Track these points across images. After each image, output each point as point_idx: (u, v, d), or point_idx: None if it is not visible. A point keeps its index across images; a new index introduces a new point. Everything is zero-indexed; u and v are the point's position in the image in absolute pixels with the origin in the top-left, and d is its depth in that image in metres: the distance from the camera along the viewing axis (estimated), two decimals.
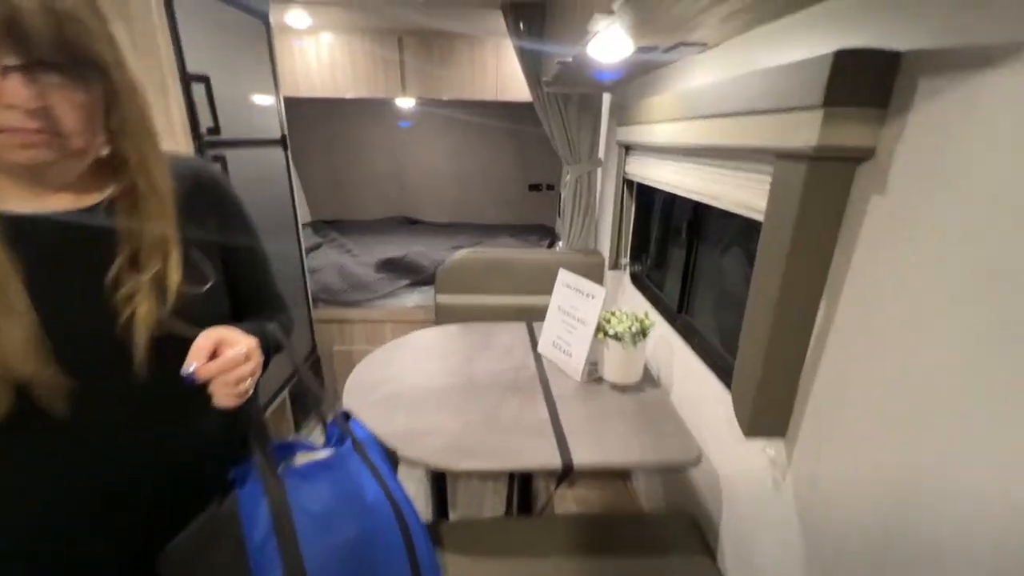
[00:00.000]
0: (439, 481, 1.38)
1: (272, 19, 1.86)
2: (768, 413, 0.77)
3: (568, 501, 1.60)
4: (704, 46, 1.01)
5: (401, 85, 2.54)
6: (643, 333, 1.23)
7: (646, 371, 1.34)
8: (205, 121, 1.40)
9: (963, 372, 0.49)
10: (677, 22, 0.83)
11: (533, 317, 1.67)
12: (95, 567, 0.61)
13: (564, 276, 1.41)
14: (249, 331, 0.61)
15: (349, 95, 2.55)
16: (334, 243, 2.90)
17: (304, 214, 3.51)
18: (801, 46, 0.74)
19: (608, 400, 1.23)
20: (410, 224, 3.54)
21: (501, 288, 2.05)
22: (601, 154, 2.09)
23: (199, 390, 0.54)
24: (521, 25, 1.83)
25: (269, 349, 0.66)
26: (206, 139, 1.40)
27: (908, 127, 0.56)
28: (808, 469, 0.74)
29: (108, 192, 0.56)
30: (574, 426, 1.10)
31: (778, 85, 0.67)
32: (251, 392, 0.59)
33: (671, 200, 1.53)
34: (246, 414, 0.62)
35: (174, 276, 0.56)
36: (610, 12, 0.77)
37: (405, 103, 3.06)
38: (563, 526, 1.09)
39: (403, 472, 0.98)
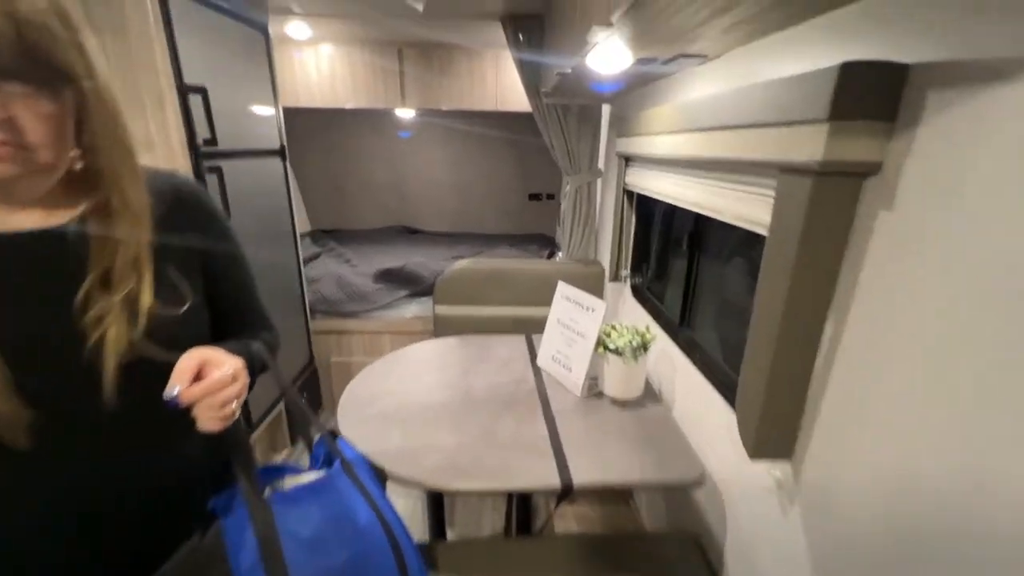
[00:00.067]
0: (436, 499, 1.35)
1: (272, 30, 1.86)
2: (774, 434, 0.74)
3: (568, 519, 1.57)
4: (704, 58, 1.00)
5: (401, 96, 2.54)
6: (644, 347, 1.21)
7: (647, 386, 1.31)
8: (202, 132, 1.39)
9: (978, 389, 0.47)
10: (677, 34, 0.82)
11: (532, 329, 1.65)
12: None
13: (563, 289, 1.39)
14: (234, 351, 0.58)
15: (349, 105, 2.55)
16: (333, 253, 2.89)
17: (304, 224, 3.50)
18: (804, 58, 0.72)
19: (608, 416, 1.20)
20: (410, 234, 3.53)
21: (500, 299, 2.03)
22: (601, 164, 2.08)
23: (181, 414, 0.52)
24: (520, 37, 1.83)
25: (254, 369, 0.64)
26: (203, 150, 1.39)
27: (917, 141, 0.54)
28: (817, 491, 0.71)
29: (81, 209, 0.54)
30: (574, 443, 1.07)
31: (782, 98, 0.66)
32: (237, 414, 0.56)
33: (672, 211, 1.51)
34: (230, 436, 0.59)
35: (146, 297, 0.54)
36: (609, 24, 0.76)
37: (405, 113, 3.06)
38: (563, 547, 1.06)
39: (399, 489, 0.95)
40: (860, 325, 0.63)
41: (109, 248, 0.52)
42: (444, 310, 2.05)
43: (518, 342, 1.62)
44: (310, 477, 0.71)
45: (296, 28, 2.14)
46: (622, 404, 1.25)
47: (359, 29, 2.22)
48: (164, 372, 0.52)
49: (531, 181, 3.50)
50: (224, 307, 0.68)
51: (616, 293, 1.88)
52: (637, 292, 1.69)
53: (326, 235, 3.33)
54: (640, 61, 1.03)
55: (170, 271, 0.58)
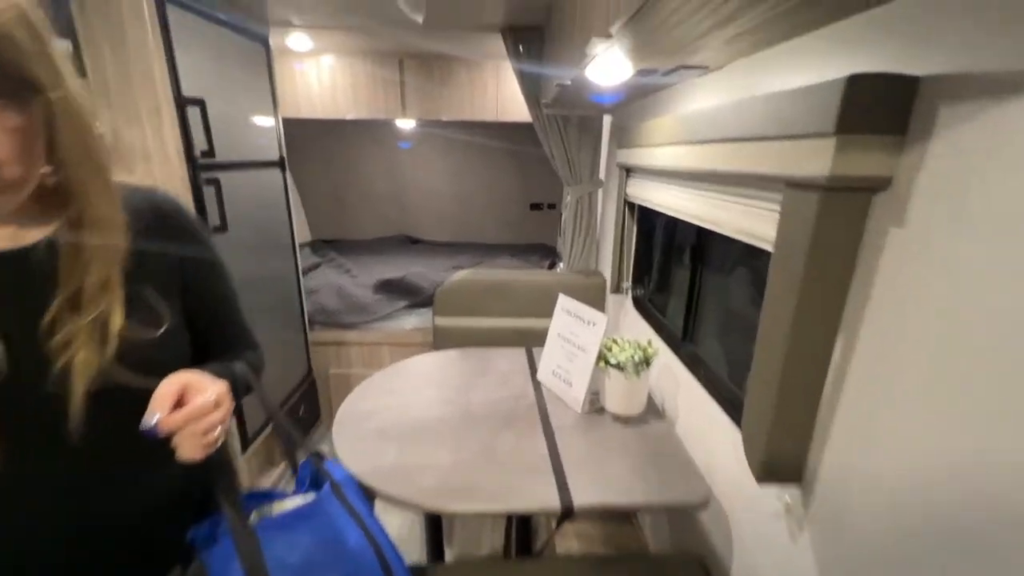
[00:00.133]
0: (434, 518, 1.31)
1: (273, 42, 1.86)
2: (782, 458, 0.71)
3: (570, 537, 1.52)
4: (706, 69, 0.99)
5: (401, 106, 2.54)
6: (646, 362, 1.18)
7: (650, 401, 1.28)
8: (200, 144, 1.39)
9: (996, 411, 0.44)
10: (678, 45, 0.81)
11: (533, 340, 1.62)
12: None
13: (564, 302, 1.37)
14: (217, 374, 0.56)
15: (350, 116, 2.56)
16: (333, 263, 2.88)
17: (304, 234, 3.50)
18: (809, 69, 0.71)
19: (610, 433, 1.17)
20: (411, 243, 3.52)
21: (500, 311, 2.00)
22: (602, 175, 2.07)
23: (160, 443, 0.49)
24: (520, 48, 1.83)
25: (239, 392, 0.62)
26: (200, 162, 1.39)
27: (929, 156, 0.52)
28: (828, 517, 0.68)
29: (53, 227, 0.51)
30: (574, 462, 1.04)
31: (787, 110, 0.64)
32: (220, 442, 0.54)
33: (673, 222, 1.49)
34: (213, 462, 0.57)
35: (117, 319, 0.51)
36: (608, 36, 0.74)
37: (405, 124, 3.07)
38: (564, 568, 1.02)
39: (397, 507, 0.93)
40: (872, 345, 0.60)
41: (79, 268, 0.50)
42: (444, 322, 2.03)
43: (518, 355, 1.59)
44: (298, 501, 0.69)
45: (297, 40, 2.14)
46: (624, 420, 1.22)
47: (360, 40, 2.23)
48: (140, 399, 0.49)
49: (532, 191, 3.49)
50: (206, 327, 0.65)
51: (617, 305, 1.85)
52: (639, 304, 1.67)
53: (326, 245, 3.32)
54: (640, 72, 1.02)
55: (147, 292, 0.56)
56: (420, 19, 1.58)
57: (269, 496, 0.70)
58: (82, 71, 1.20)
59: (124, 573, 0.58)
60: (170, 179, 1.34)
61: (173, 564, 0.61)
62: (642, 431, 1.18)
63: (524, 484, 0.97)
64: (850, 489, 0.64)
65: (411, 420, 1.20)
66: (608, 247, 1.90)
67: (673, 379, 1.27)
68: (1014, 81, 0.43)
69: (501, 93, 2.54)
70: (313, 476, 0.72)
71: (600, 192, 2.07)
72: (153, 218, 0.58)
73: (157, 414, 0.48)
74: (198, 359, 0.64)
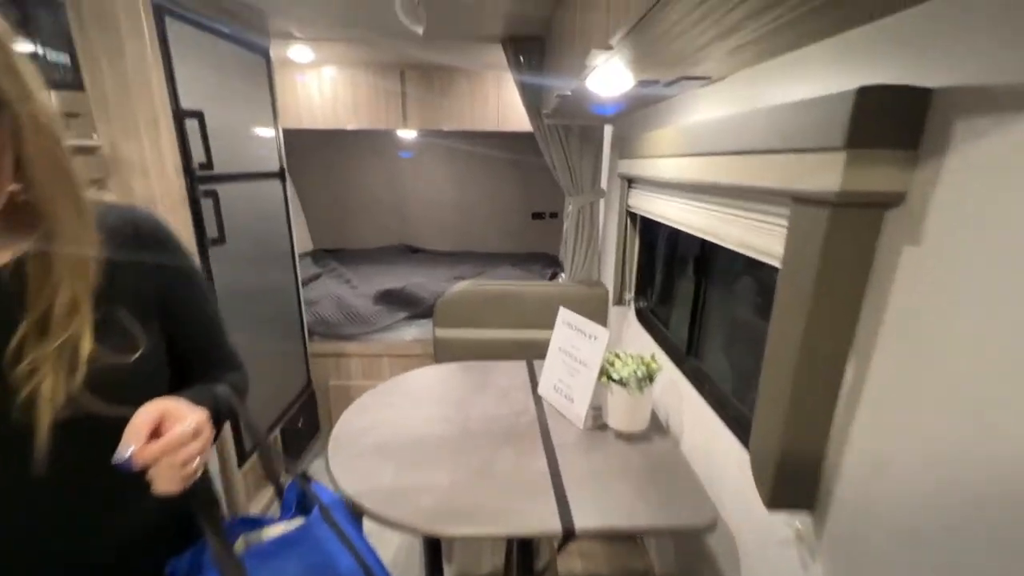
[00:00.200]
0: (432, 540, 1.28)
1: (274, 54, 1.86)
2: (792, 483, 0.68)
3: (573, 557, 1.49)
4: (709, 79, 0.97)
5: (402, 117, 2.54)
6: (650, 378, 1.15)
7: (653, 417, 1.25)
8: (198, 156, 1.38)
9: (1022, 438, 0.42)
10: (679, 56, 0.79)
11: (534, 352, 1.60)
12: None
13: (564, 315, 1.34)
14: (197, 400, 0.54)
15: (351, 127, 2.56)
16: (334, 273, 2.86)
17: (306, 243, 3.49)
18: (815, 80, 0.69)
19: (613, 451, 1.14)
20: (412, 253, 3.51)
21: (501, 322, 1.98)
22: (604, 184, 2.05)
23: (134, 476, 0.47)
24: (521, 58, 1.82)
25: (221, 417, 0.59)
26: (198, 174, 1.38)
27: (945, 172, 0.50)
28: (842, 547, 0.65)
29: (23, 248, 0.49)
30: (576, 482, 1.01)
31: (793, 123, 0.62)
32: (199, 473, 0.51)
33: (676, 233, 1.46)
34: (195, 491, 0.54)
35: (87, 344, 0.48)
36: (608, 47, 0.73)
37: (407, 134, 3.07)
38: None
39: (396, 529, 0.90)
40: (887, 367, 0.57)
41: (47, 290, 0.47)
42: (444, 333, 2.01)
43: (519, 369, 1.56)
44: (282, 528, 0.66)
45: (298, 51, 2.15)
46: (627, 437, 1.19)
47: (361, 52, 2.23)
48: (113, 428, 0.47)
49: (534, 200, 3.48)
50: (187, 349, 0.63)
51: (620, 317, 1.82)
52: (642, 316, 1.64)
53: (328, 254, 3.31)
54: (641, 83, 1.00)
55: (121, 314, 0.54)
56: (420, 31, 1.58)
57: (255, 523, 0.67)
58: (80, 84, 1.19)
59: None
60: (168, 192, 1.33)
61: None
62: (646, 449, 1.15)
63: (524, 506, 0.94)
64: (866, 518, 0.60)
65: (409, 437, 1.17)
66: (610, 257, 1.87)
67: (677, 394, 1.24)
68: None
69: (502, 103, 2.53)
70: (299, 498, 0.70)
71: (602, 202, 2.06)
72: (130, 237, 0.55)
73: (131, 446, 0.45)
74: (179, 382, 0.62)
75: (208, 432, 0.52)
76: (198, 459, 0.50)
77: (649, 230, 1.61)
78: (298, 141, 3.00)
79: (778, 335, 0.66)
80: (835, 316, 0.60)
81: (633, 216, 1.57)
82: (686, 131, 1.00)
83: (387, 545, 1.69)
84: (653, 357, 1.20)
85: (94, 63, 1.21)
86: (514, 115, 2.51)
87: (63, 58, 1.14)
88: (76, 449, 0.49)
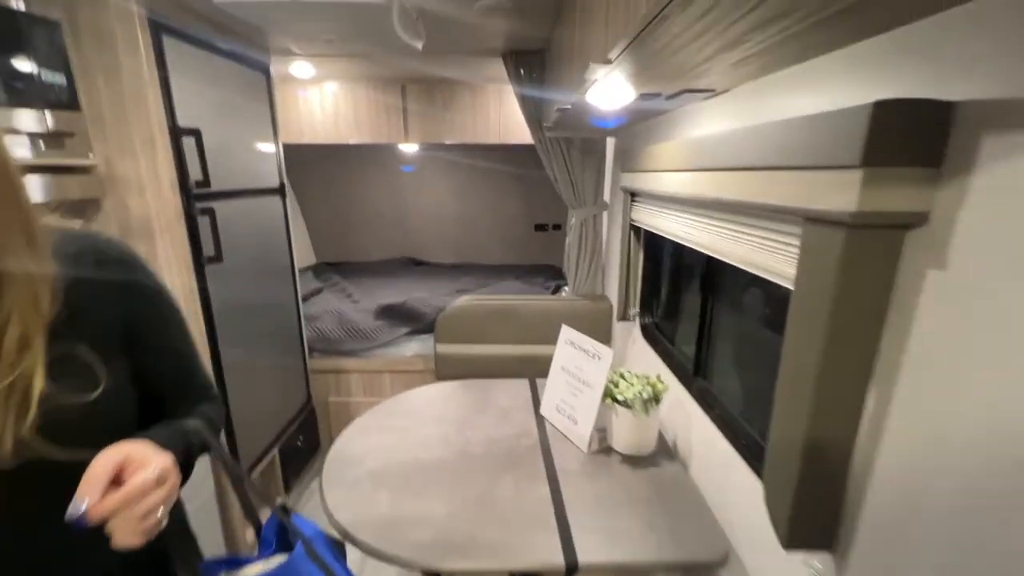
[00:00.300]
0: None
1: (275, 70, 1.86)
2: (811, 521, 0.63)
3: None
4: (712, 92, 0.94)
5: (404, 131, 2.54)
6: (656, 400, 1.11)
7: (660, 439, 1.20)
8: (195, 174, 1.36)
9: None
10: (681, 69, 0.76)
11: (538, 368, 1.56)
12: None
13: (567, 333, 1.30)
14: (164, 441, 0.50)
15: (352, 141, 2.56)
16: (336, 287, 2.84)
17: (309, 257, 3.49)
18: (824, 93, 0.65)
19: (618, 476, 1.09)
20: (415, 265, 3.49)
21: (503, 337, 1.94)
22: (607, 196, 2.02)
23: (92, 530, 0.43)
24: (521, 72, 1.81)
25: (192, 454, 0.56)
26: (194, 192, 1.36)
27: (972, 191, 0.46)
28: None
29: None
30: (580, 511, 0.96)
31: (805, 138, 0.58)
32: (164, 524, 0.47)
33: (681, 247, 1.43)
34: (165, 532, 0.50)
35: (38, 383, 0.45)
36: (607, 61, 0.70)
37: (408, 148, 3.07)
38: None
39: (391, 563, 0.85)
40: (911, 398, 0.53)
41: None
42: (445, 349, 1.97)
43: (521, 387, 1.52)
44: (265, 565, 0.62)
45: (300, 67, 2.15)
46: (633, 461, 1.14)
47: (362, 67, 2.23)
48: (70, 475, 0.43)
49: (537, 212, 3.46)
50: (158, 382, 0.60)
51: (625, 332, 1.78)
52: (647, 332, 1.59)
53: (330, 268, 3.30)
54: (643, 96, 0.98)
55: (80, 350, 0.50)
56: (420, 46, 1.57)
57: (234, 562, 0.63)
58: (76, 104, 1.18)
59: None
60: (164, 210, 1.32)
61: None
62: (653, 474, 1.10)
63: (525, 538, 0.90)
64: (893, 562, 0.56)
65: (407, 462, 1.13)
66: (614, 271, 1.84)
67: (685, 415, 1.20)
68: None
69: (503, 116, 2.53)
70: (280, 537, 0.66)
71: (605, 215, 2.03)
72: (91, 266, 0.52)
73: (87, 499, 0.41)
74: (150, 415, 0.59)
75: (174, 478, 0.48)
76: (161, 509, 0.46)
77: (653, 243, 1.57)
78: (301, 156, 3.00)
79: (792, 363, 0.62)
80: (854, 343, 0.56)
81: (637, 230, 1.53)
82: (690, 145, 0.97)
83: None
84: (659, 377, 1.16)
85: (90, 82, 1.21)
86: (516, 128, 2.49)
87: (59, 78, 1.13)
88: (28, 498, 0.45)
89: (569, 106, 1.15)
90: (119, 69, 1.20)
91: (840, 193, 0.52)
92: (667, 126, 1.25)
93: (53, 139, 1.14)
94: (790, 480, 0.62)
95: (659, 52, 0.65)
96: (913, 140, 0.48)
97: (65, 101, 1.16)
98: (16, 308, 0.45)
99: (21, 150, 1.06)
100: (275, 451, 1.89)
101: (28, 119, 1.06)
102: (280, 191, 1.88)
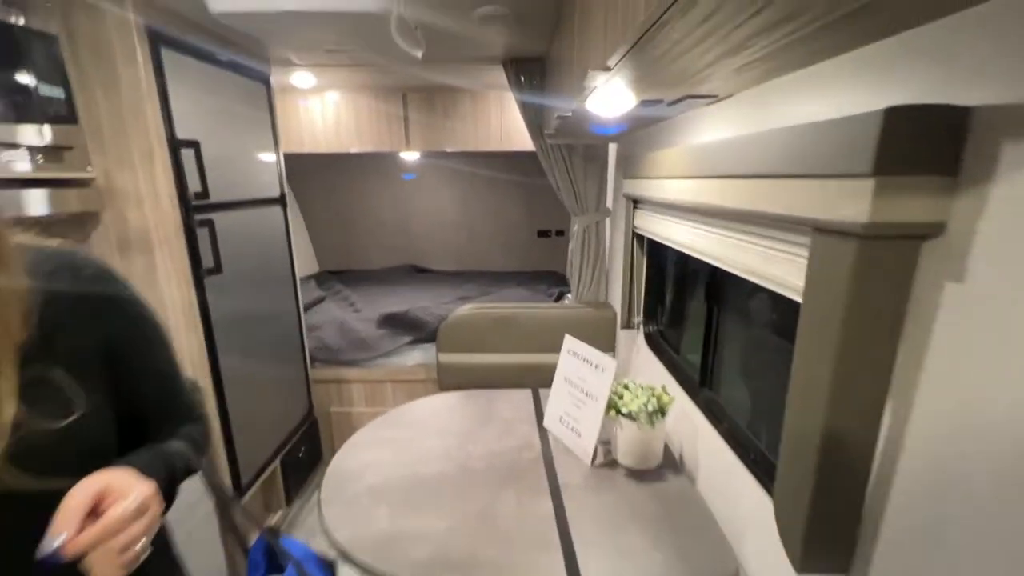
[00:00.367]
0: None
1: (276, 80, 1.87)
2: (825, 544, 0.61)
3: None
4: (715, 98, 0.92)
5: (405, 139, 2.53)
6: (661, 412, 1.08)
7: (666, 451, 1.17)
8: (193, 186, 1.36)
9: None
10: (682, 75, 0.74)
11: (541, 377, 1.53)
12: None
13: (570, 343, 1.28)
14: (146, 467, 0.48)
15: (353, 150, 2.56)
16: (338, 296, 2.83)
17: (312, 266, 3.49)
18: (831, 98, 0.63)
19: (623, 491, 1.07)
20: (418, 273, 3.48)
21: (506, 346, 1.92)
22: (609, 203, 2.00)
23: (68, 565, 0.41)
24: (522, 79, 1.80)
25: (176, 478, 0.54)
26: (193, 204, 1.35)
27: (993, 200, 0.44)
28: None
29: None
30: (584, 528, 0.94)
31: (812, 146, 0.56)
32: (145, 556, 0.45)
33: (686, 254, 1.40)
34: (148, 566, 0.47)
35: (8, 409, 0.43)
36: (606, 68, 0.68)
37: (410, 156, 3.07)
38: None
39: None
40: (930, 415, 0.50)
41: None
42: (448, 358, 1.95)
43: (524, 398, 1.50)
44: None
45: (300, 77, 2.16)
46: (638, 475, 1.11)
47: (363, 76, 2.23)
48: (43, 505, 0.41)
49: (539, 218, 3.45)
50: (139, 403, 0.58)
51: (629, 341, 1.75)
52: (651, 340, 1.57)
53: (333, 276, 3.29)
54: (644, 103, 0.96)
55: (54, 374, 0.48)
56: (419, 55, 1.56)
57: None
58: (74, 117, 1.18)
59: None
60: (162, 222, 1.31)
61: None
62: (658, 488, 1.07)
63: (527, 556, 0.87)
64: None
65: (406, 476, 1.11)
66: (617, 278, 1.81)
67: (691, 427, 1.17)
68: None
69: (504, 123, 2.52)
70: (268, 559, 0.64)
71: (608, 221, 2.01)
72: (68, 286, 0.50)
73: (62, 534, 0.39)
74: (132, 437, 0.57)
75: (156, 507, 0.46)
76: (143, 540, 0.44)
77: (657, 250, 1.55)
78: (303, 165, 3.01)
79: (802, 378, 0.60)
80: (868, 358, 0.54)
81: (640, 237, 1.51)
82: (693, 151, 0.95)
83: None
84: (664, 388, 1.13)
85: (88, 94, 1.21)
86: (517, 135, 2.48)
87: (57, 91, 1.13)
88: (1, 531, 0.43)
89: (569, 113, 1.13)
90: (117, 81, 1.20)
91: (851, 203, 0.50)
92: (669, 132, 1.23)
93: (52, 152, 1.13)
94: (802, 500, 0.60)
95: (659, 58, 0.64)
96: (927, 147, 0.46)
97: (63, 114, 1.15)
98: None
99: (20, 164, 1.05)
100: (276, 463, 1.88)
101: (26, 133, 1.06)
102: (281, 201, 1.88)
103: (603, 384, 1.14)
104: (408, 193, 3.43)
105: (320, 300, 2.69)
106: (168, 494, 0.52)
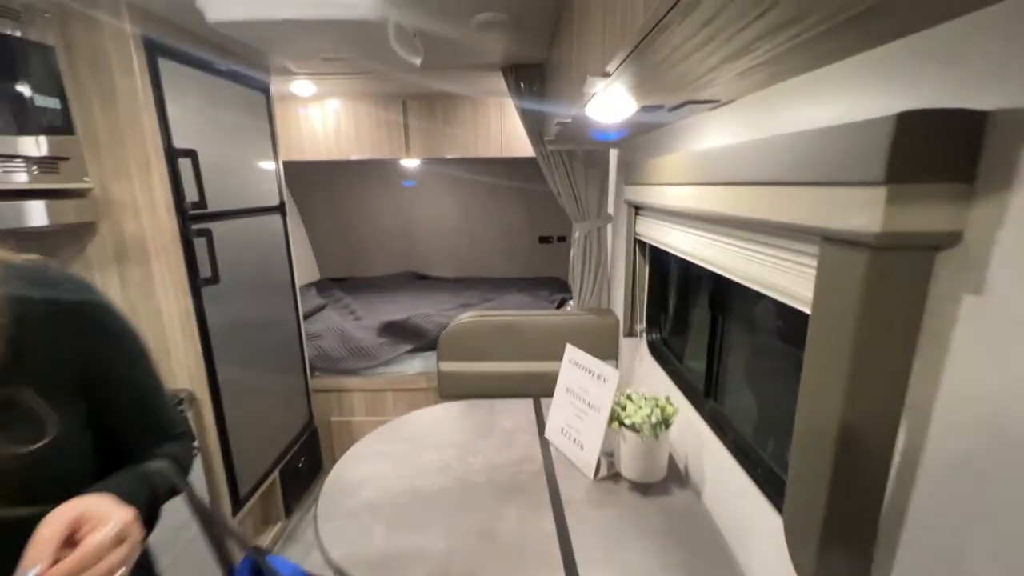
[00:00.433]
0: None
1: (276, 89, 1.86)
2: (839, 564, 0.58)
3: None
4: (717, 103, 0.90)
5: (405, 147, 2.53)
6: (665, 423, 1.06)
7: (671, 463, 1.14)
8: (190, 195, 1.35)
9: None
10: (683, 80, 0.73)
11: (543, 385, 1.51)
12: None
13: (571, 353, 1.26)
14: (126, 491, 0.46)
15: (354, 157, 2.55)
16: (339, 303, 2.82)
17: (313, 273, 3.48)
18: (838, 103, 0.61)
19: (627, 505, 1.04)
20: (419, 280, 3.47)
21: (507, 354, 1.89)
22: (610, 209, 1.98)
23: None
24: (522, 85, 1.79)
25: (158, 500, 0.52)
26: (190, 213, 1.34)
27: (1012, 209, 0.41)
28: None
29: None
30: (587, 546, 0.91)
31: (821, 152, 0.54)
32: None
33: (689, 261, 1.38)
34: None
35: None
36: (605, 75, 0.67)
37: (410, 163, 3.06)
38: None
39: None
40: (949, 431, 0.48)
41: None
42: (448, 367, 1.93)
43: (525, 408, 1.47)
44: None
45: (300, 86, 2.15)
46: (642, 488, 1.08)
47: (363, 84, 2.23)
48: (19, 533, 0.39)
49: (540, 224, 3.43)
50: (118, 422, 0.55)
51: (632, 349, 1.72)
52: (654, 349, 1.54)
53: (334, 283, 3.28)
54: (644, 109, 0.94)
55: (24, 395, 0.46)
56: (417, 62, 1.55)
57: None
58: (70, 127, 1.18)
59: None
60: (159, 232, 1.30)
61: None
62: (664, 503, 1.04)
63: None
64: None
65: (405, 491, 1.08)
66: (620, 284, 1.79)
67: (696, 437, 1.14)
68: None
69: (505, 129, 2.51)
70: (255, 573, 0.61)
71: (609, 227, 1.98)
72: (38, 303, 0.48)
73: (36, 566, 0.37)
74: (112, 457, 0.54)
75: (136, 534, 0.44)
76: (122, 571, 0.42)
77: (660, 257, 1.52)
78: (303, 172, 3.00)
79: (812, 392, 0.57)
80: (881, 375, 0.51)
81: (642, 244, 1.49)
82: (695, 157, 0.93)
83: None
84: (668, 399, 1.11)
85: (85, 105, 1.20)
86: (517, 141, 2.48)
87: (53, 102, 1.12)
88: None
89: (569, 120, 1.12)
90: (114, 92, 1.20)
91: (862, 212, 0.47)
92: (671, 138, 1.21)
93: (48, 163, 1.12)
94: (814, 519, 0.57)
95: (660, 64, 0.62)
96: (942, 154, 0.44)
97: (60, 125, 1.15)
98: None
99: (16, 175, 1.05)
100: (275, 474, 1.85)
101: (23, 144, 1.05)
102: (280, 209, 1.87)
103: (605, 395, 1.11)
104: (409, 200, 3.42)
105: (321, 308, 2.68)
106: (150, 517, 0.50)
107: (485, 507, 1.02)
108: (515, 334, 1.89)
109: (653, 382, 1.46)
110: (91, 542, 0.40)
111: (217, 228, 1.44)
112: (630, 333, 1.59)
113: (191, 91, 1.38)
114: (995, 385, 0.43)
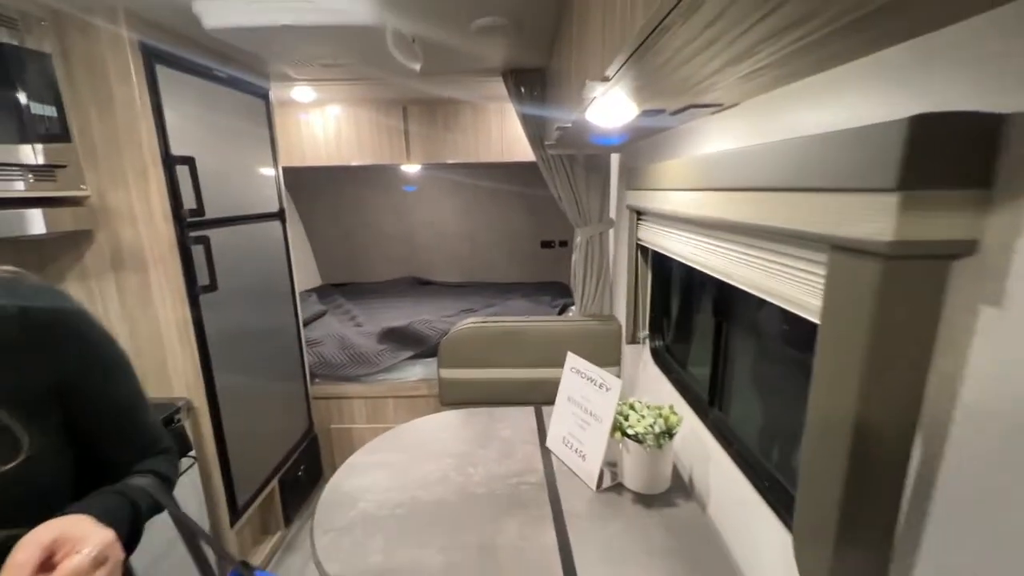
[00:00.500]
0: None
1: (276, 95, 1.86)
2: None
3: None
4: (720, 107, 0.88)
5: (406, 152, 2.52)
6: (669, 433, 1.03)
7: (675, 474, 1.12)
8: (188, 203, 1.34)
9: None
10: (685, 84, 0.71)
11: (544, 392, 1.49)
12: None
13: (573, 361, 1.23)
14: (104, 511, 0.44)
15: (354, 163, 2.55)
16: (340, 309, 2.81)
17: (314, 279, 3.47)
18: (845, 106, 0.59)
19: (630, 518, 1.01)
20: (421, 285, 3.45)
21: (509, 361, 1.87)
22: (612, 214, 1.96)
23: None
24: (522, 89, 1.78)
25: (140, 518, 0.50)
26: (188, 221, 1.34)
27: None
28: None
29: None
30: (590, 561, 0.88)
31: (829, 157, 0.52)
32: None
33: (691, 267, 1.36)
34: None
35: None
36: (605, 79, 0.65)
37: (410, 168, 3.06)
38: None
39: None
40: (966, 449, 0.46)
41: None
42: (449, 374, 1.91)
43: (526, 417, 1.45)
44: None
45: (301, 92, 2.15)
46: (646, 500, 1.06)
47: (363, 89, 2.23)
48: None
49: (542, 229, 3.42)
50: (98, 437, 0.54)
51: (635, 356, 1.70)
52: (657, 356, 1.52)
53: (336, 289, 3.27)
54: (646, 113, 0.92)
55: None
56: (417, 67, 1.55)
57: None
58: (67, 135, 1.17)
59: None
60: (156, 240, 1.29)
61: None
62: (668, 515, 1.02)
63: None
64: None
65: (404, 503, 1.06)
66: (622, 290, 1.77)
67: (702, 448, 1.11)
68: None
69: (505, 134, 2.50)
70: None
71: (611, 232, 1.97)
72: (12, 318, 0.46)
73: None
74: (94, 474, 0.53)
75: (116, 556, 0.42)
76: None
77: (662, 262, 1.50)
78: (304, 178, 3.00)
79: (822, 404, 0.55)
80: (893, 387, 0.49)
81: (644, 249, 1.47)
82: (698, 162, 0.91)
83: None
84: (672, 408, 1.09)
85: (82, 113, 1.20)
86: (518, 146, 2.47)
87: (50, 110, 1.12)
88: None
89: (570, 124, 1.10)
90: (112, 99, 1.19)
91: (873, 219, 0.45)
92: (673, 142, 1.19)
93: (45, 171, 1.12)
94: (826, 540, 0.55)
95: (660, 67, 0.60)
96: (957, 159, 0.42)
97: (57, 133, 1.14)
98: None
99: (13, 183, 1.04)
100: (275, 482, 1.84)
101: (20, 152, 1.05)
102: (280, 215, 1.86)
103: (608, 404, 1.09)
104: (410, 205, 3.42)
105: (321, 314, 2.66)
106: (132, 535, 0.48)
107: (485, 521, 0.99)
108: (516, 341, 1.87)
109: (656, 390, 1.43)
110: (68, 566, 0.38)
111: (215, 235, 1.43)
112: (633, 340, 1.56)
113: (189, 98, 1.37)
114: (1016, 399, 0.41)
